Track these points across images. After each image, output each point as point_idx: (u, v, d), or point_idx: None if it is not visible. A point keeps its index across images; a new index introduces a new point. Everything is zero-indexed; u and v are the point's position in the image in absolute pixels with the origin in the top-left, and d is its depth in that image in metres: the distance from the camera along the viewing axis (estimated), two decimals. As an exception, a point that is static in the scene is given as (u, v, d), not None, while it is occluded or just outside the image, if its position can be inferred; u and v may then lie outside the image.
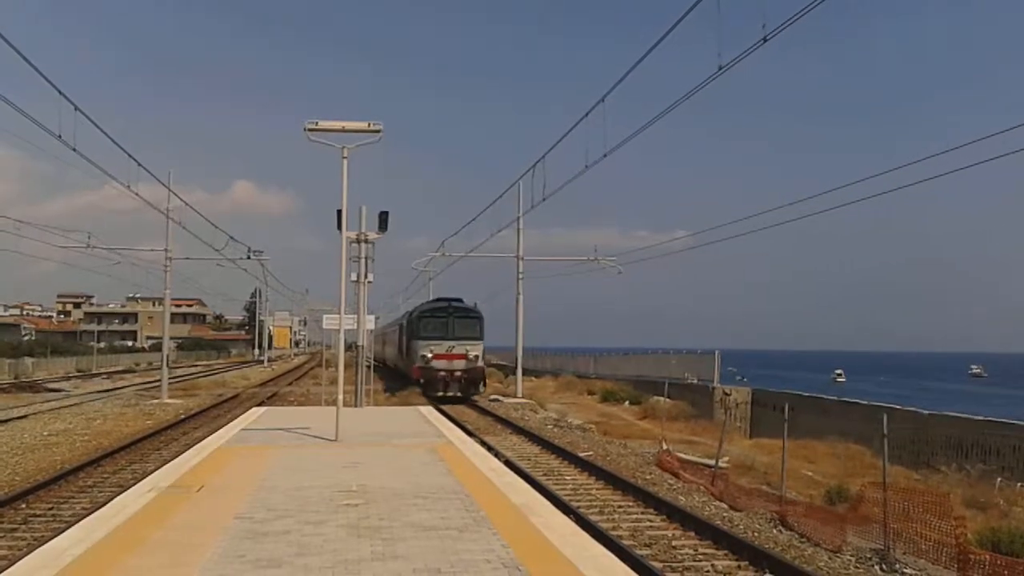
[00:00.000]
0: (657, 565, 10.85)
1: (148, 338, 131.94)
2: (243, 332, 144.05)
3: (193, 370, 72.57)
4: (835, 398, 32.02)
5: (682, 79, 14.31)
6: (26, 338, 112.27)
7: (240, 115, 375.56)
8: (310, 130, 17.25)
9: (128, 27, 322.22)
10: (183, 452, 16.27)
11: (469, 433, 20.76)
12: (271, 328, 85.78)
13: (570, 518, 10.52)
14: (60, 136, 18.75)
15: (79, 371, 68.13)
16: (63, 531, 9.51)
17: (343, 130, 17.57)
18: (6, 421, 26.77)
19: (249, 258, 44.89)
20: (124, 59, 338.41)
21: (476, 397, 37.50)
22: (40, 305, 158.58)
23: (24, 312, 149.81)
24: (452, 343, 37.43)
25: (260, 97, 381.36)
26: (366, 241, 23.92)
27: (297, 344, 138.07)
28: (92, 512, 10.67)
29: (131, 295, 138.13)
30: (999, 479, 18.43)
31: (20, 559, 8.36)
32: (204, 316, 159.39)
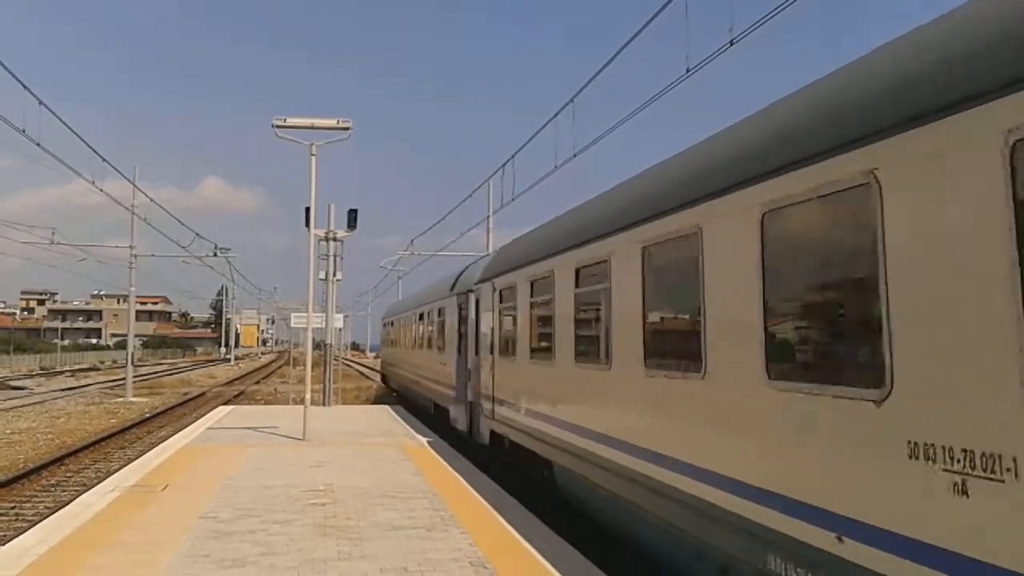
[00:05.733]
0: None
1: (113, 335, 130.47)
2: (209, 330, 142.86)
3: (158, 368, 71.76)
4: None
5: (654, 78, 14.41)
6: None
7: (213, 112, 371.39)
8: (278, 127, 17.18)
9: (103, 22, 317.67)
10: (148, 451, 16.16)
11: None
12: (238, 326, 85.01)
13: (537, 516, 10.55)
14: (24, 131, 18.51)
15: (43, 369, 67.15)
16: (26, 530, 9.42)
17: (312, 127, 17.51)
18: (-34, 419, 26.33)
19: (216, 255, 44.40)
20: (99, 54, 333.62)
21: None
22: (3, 302, 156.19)
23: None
24: None
25: (234, 94, 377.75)
26: (335, 239, 23.83)
27: (265, 342, 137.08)
28: (55, 511, 10.57)
29: (96, 292, 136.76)
30: None
31: (-19, 559, 8.27)
32: (170, 314, 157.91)
